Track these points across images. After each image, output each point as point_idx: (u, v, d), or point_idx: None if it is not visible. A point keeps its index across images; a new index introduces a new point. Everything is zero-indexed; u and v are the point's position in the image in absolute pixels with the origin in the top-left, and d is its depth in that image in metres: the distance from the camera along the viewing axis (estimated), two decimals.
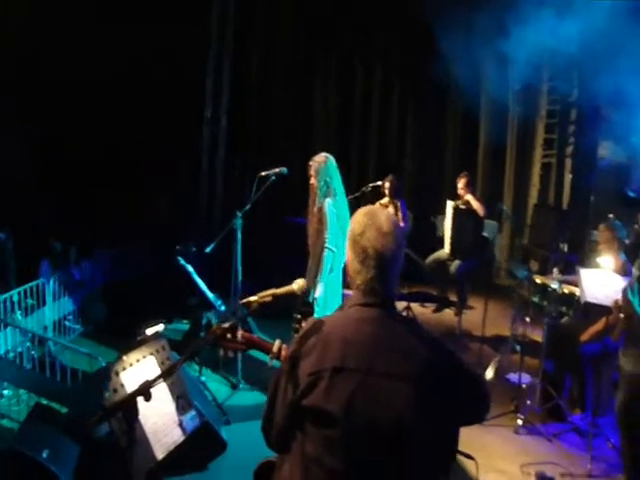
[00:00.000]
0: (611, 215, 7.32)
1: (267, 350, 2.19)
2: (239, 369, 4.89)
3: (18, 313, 5.10)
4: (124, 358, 2.43)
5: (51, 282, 5.68)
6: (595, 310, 4.58)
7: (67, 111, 7.25)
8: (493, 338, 6.15)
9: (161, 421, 2.40)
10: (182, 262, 4.44)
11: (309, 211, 4.72)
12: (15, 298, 5.09)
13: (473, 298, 7.25)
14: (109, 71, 7.55)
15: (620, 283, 4.00)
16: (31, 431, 3.36)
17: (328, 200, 4.55)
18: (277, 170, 4.96)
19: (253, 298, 2.13)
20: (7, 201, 6.43)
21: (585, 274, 4.52)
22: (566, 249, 8.54)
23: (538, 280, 5.27)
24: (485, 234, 7.35)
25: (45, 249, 6.24)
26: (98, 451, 3.02)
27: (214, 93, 8.98)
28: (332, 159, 4.68)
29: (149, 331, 2.52)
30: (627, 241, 4.85)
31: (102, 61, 7.50)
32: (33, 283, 5.45)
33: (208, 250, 4.86)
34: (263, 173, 4.95)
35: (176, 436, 2.40)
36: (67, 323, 5.97)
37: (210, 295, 4.40)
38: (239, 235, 4.89)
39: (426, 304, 7.43)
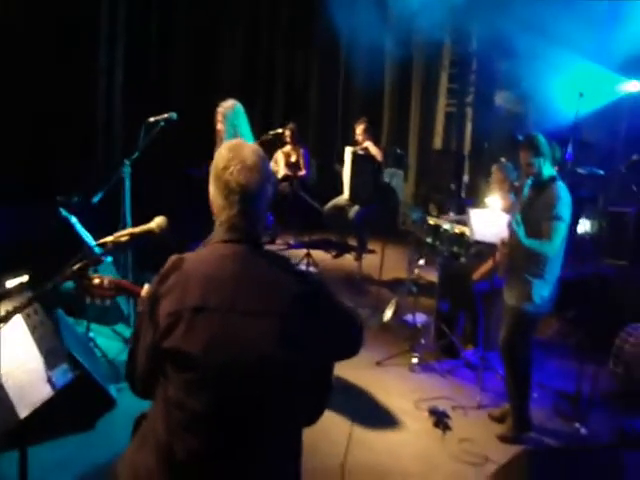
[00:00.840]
0: (503, 158, 7.58)
1: (137, 294, 2.08)
2: (132, 323, 4.72)
3: None
4: None
5: None
6: (486, 250, 4.73)
7: None
8: (392, 281, 6.27)
9: (26, 378, 2.23)
10: (64, 213, 4.17)
11: None
12: None
13: (374, 243, 7.33)
14: None
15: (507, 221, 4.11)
16: None
17: None
18: (166, 115, 4.72)
19: (109, 238, 2.00)
20: None
21: (474, 214, 4.64)
22: (463, 194, 8.83)
23: (431, 221, 5.35)
24: (387, 180, 7.39)
25: None
26: None
27: (109, 41, 8.36)
28: (240, 105, 4.57)
29: (10, 283, 2.31)
30: (517, 183, 4.99)
31: None
32: None
33: (95, 200, 4.59)
34: (151, 119, 4.72)
35: (44, 392, 2.24)
36: None
37: (94, 247, 4.17)
38: (127, 183, 4.63)
39: (327, 251, 7.46)
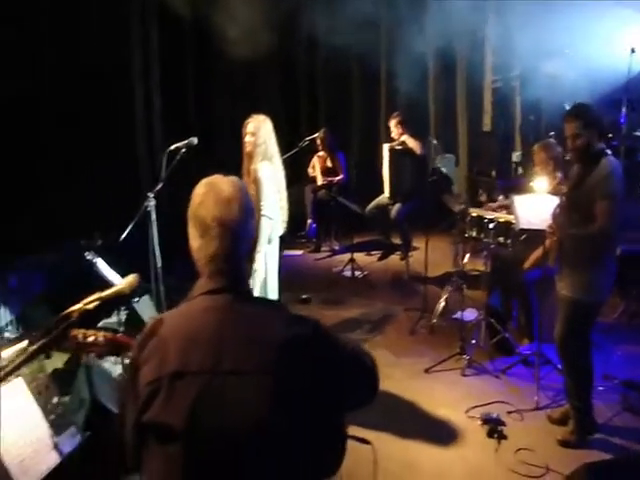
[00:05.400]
0: (552, 133, 7.14)
1: None
2: None
3: None
4: None
5: None
6: (536, 236, 4.42)
7: None
8: (440, 277, 6.01)
9: (30, 449, 2.18)
10: (89, 257, 4.16)
11: (244, 172, 4.41)
12: None
13: (421, 239, 7.06)
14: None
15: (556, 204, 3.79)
16: None
17: (265, 163, 4.20)
18: (186, 142, 4.65)
19: (76, 307, 1.85)
20: None
21: (518, 200, 4.33)
22: (516, 173, 8.41)
23: (473, 213, 5.06)
24: (443, 169, 7.03)
25: None
26: None
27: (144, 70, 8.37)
28: (269, 120, 4.33)
29: (6, 354, 2.27)
30: (568, 157, 4.63)
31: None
32: None
33: (121, 239, 4.58)
34: (172, 147, 4.66)
35: (51, 460, 2.20)
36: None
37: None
38: (153, 217, 4.59)
39: (371, 252, 7.26)
